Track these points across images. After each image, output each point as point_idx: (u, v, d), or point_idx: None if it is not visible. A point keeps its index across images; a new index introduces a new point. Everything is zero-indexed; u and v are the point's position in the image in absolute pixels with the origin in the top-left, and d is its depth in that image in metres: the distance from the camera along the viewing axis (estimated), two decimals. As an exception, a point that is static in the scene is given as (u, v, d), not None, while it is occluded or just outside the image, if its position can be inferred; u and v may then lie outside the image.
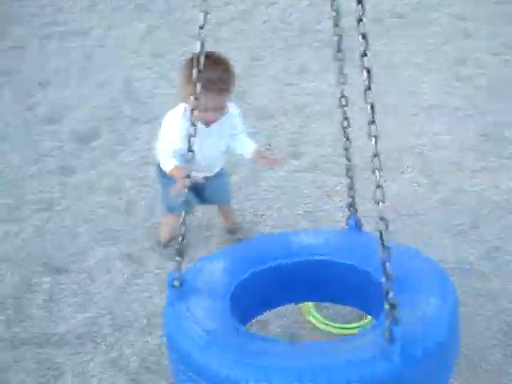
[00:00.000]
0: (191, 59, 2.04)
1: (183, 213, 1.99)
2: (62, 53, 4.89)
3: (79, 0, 5.69)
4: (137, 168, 3.65)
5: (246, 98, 4.34)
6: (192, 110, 1.92)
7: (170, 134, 2.64)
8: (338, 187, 3.40)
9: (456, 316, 1.92)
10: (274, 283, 2.29)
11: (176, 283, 2.01)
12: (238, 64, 4.68)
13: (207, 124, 2.65)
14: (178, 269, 2.00)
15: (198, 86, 1.90)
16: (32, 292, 2.88)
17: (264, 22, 5.40)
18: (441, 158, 3.73)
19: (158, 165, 2.79)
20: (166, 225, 3.07)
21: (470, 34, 5.04)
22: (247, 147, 2.80)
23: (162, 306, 2.07)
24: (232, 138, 2.81)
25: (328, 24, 2.08)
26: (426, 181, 3.56)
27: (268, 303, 2.38)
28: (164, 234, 3.10)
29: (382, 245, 1.67)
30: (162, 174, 2.77)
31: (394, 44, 4.96)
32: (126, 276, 2.95)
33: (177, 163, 2.59)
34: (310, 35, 5.08)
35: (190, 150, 1.94)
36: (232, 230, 3.21)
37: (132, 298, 2.84)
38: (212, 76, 2.32)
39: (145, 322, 2.70)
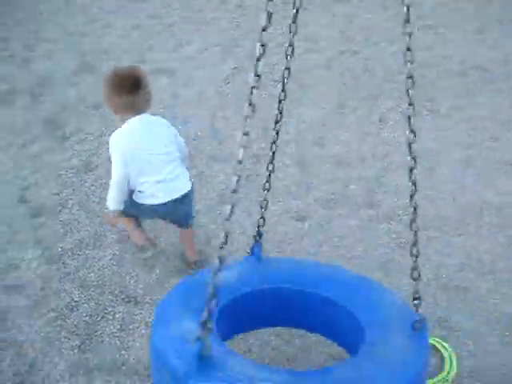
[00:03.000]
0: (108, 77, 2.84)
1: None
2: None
3: (168, 40, 5.91)
4: (215, 206, 3.73)
5: (325, 144, 4.39)
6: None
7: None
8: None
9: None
10: (252, 308, 2.41)
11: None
12: (320, 110, 4.79)
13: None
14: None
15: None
16: (106, 320, 2.97)
17: (347, 71, 5.47)
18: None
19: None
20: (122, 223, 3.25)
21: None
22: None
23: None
24: None
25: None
26: (503, 239, 3.50)
27: (248, 326, 2.55)
28: (139, 238, 3.29)
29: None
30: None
31: (476, 98, 4.94)
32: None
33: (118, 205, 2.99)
34: (391, 85, 5.10)
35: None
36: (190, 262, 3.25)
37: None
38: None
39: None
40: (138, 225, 3.29)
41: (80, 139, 4.36)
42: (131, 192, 3.01)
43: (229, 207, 1.79)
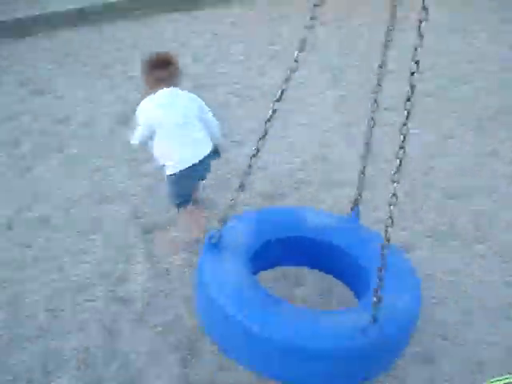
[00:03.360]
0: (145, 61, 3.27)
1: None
2: (252, 114, 5.19)
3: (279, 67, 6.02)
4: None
5: (432, 174, 4.31)
6: None
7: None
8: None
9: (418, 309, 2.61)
10: (284, 249, 3.01)
11: (214, 240, 2.74)
12: (428, 138, 4.70)
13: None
14: (219, 228, 2.72)
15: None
16: (207, 336, 3.04)
17: (458, 100, 5.35)
18: None
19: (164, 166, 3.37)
20: (190, 221, 3.56)
21: None
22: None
23: None
24: None
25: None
26: None
27: (277, 263, 3.16)
28: (196, 232, 3.55)
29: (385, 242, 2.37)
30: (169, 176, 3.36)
31: None
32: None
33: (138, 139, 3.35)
34: (505, 117, 4.93)
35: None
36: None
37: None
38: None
39: None
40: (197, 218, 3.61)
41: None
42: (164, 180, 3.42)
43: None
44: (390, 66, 2.71)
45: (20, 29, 6.47)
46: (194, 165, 3.30)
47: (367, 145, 2.92)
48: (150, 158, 4.27)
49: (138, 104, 3.35)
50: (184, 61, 5.90)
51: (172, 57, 3.35)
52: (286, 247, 3.01)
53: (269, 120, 2.53)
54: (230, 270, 2.67)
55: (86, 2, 6.79)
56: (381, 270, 2.32)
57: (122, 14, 6.80)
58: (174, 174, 3.33)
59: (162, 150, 3.33)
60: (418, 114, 5.01)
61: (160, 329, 3.10)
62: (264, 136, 2.55)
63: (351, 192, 3.23)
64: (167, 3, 7.15)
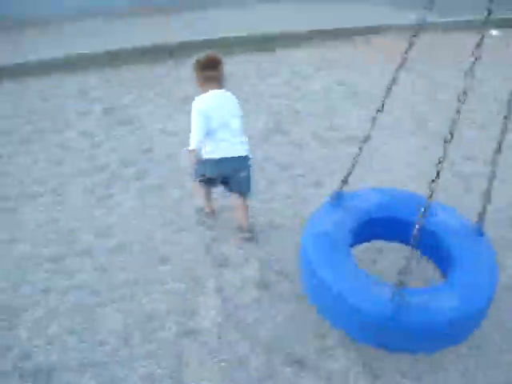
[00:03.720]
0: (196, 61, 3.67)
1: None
2: (333, 155, 5.19)
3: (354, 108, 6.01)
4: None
5: None
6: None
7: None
8: None
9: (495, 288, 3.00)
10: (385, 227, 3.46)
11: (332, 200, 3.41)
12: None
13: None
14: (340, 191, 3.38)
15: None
16: (273, 380, 3.02)
17: None
18: None
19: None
20: (197, 190, 4.25)
21: None
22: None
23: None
24: None
25: None
26: None
27: (375, 237, 3.60)
28: (199, 199, 4.26)
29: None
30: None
31: None
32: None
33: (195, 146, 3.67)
34: None
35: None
36: (243, 229, 4.07)
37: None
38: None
39: None
40: (208, 197, 4.23)
41: (270, 198, 4.55)
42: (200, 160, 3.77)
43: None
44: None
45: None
46: (224, 159, 3.70)
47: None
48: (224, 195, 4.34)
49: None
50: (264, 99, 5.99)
51: (220, 58, 3.72)
52: (385, 226, 3.45)
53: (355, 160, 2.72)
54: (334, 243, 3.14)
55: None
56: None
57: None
58: (206, 160, 3.73)
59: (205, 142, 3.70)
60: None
61: (225, 365, 3.11)
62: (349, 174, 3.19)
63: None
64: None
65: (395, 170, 4.90)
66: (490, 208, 3.28)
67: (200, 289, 3.60)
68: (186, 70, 6.42)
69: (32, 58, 6.77)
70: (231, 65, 6.66)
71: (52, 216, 4.25)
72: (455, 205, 3.66)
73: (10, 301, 3.51)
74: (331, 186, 4.08)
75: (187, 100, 5.81)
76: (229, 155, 3.71)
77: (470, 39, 2.96)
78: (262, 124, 5.60)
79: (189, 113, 3.63)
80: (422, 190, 4.47)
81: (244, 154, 3.76)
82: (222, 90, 3.74)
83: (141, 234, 4.06)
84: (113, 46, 7.14)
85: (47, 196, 4.48)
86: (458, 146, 4.68)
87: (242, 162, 3.78)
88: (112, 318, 3.38)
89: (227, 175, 3.84)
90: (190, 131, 3.60)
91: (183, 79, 6.40)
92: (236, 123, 3.72)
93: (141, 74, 6.64)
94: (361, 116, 5.74)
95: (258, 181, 4.69)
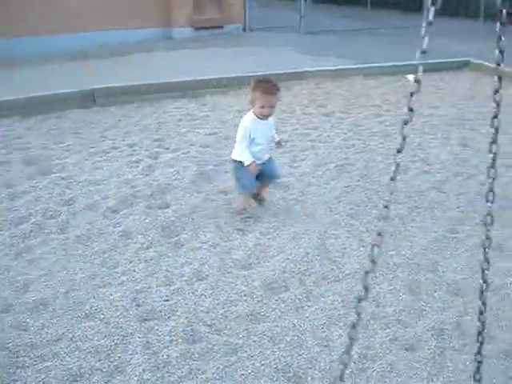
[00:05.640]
0: (256, 81, 4.74)
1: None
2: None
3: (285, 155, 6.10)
4: (321, 327, 3.65)
5: (437, 269, 4.26)
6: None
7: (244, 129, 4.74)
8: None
9: None
10: None
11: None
12: (431, 234, 4.67)
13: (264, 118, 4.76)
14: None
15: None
16: None
17: (461, 194, 5.39)
18: None
19: (233, 159, 4.87)
20: (246, 201, 4.98)
21: None
22: (277, 137, 5.05)
23: None
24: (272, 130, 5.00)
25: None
26: None
27: None
28: (242, 205, 4.97)
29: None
30: (237, 165, 4.83)
31: None
32: None
33: (252, 158, 4.70)
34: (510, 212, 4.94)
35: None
36: (259, 198, 5.08)
37: None
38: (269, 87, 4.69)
39: None
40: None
41: (194, 247, 4.48)
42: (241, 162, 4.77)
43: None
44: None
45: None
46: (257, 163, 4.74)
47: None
48: (150, 244, 4.26)
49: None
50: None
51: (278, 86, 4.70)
52: None
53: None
54: None
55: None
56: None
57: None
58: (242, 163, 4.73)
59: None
60: (425, 208, 5.03)
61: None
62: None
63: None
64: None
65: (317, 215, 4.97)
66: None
67: (125, 344, 3.46)
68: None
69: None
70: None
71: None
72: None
73: None
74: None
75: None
76: (258, 161, 4.80)
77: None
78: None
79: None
80: (346, 235, 4.55)
81: (267, 158, 4.92)
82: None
83: (64, 288, 3.90)
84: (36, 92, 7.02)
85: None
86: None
87: (267, 164, 4.94)
88: (33, 380, 3.19)
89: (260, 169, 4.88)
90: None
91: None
92: (267, 142, 4.90)
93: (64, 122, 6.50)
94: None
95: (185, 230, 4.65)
